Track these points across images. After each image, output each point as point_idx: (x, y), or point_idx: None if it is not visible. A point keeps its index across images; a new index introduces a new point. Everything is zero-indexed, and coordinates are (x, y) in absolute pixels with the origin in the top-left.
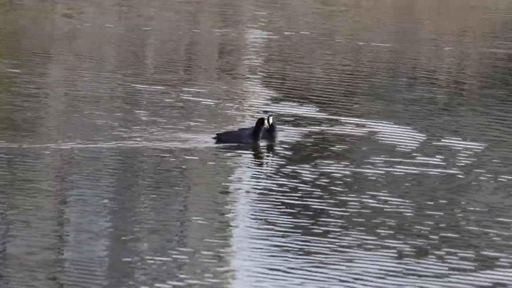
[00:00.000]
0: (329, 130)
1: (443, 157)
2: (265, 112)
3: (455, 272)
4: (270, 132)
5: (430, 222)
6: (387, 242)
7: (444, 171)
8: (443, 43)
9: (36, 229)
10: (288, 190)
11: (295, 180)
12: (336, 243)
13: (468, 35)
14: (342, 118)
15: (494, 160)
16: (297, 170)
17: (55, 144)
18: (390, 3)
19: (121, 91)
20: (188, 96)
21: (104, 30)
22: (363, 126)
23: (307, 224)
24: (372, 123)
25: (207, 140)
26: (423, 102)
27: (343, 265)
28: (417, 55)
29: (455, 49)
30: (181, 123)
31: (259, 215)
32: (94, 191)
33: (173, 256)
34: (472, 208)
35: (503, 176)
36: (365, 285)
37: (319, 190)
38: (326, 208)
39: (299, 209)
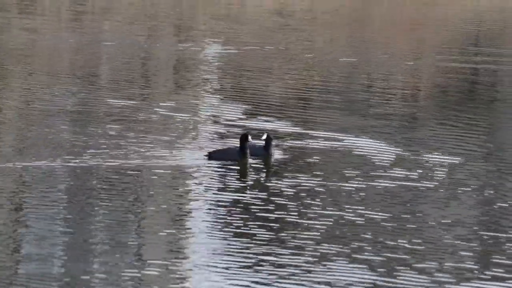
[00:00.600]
0: (304, 144)
1: (417, 171)
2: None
3: (431, 285)
4: (266, 149)
5: (405, 235)
6: (363, 255)
7: (419, 184)
8: (407, 56)
9: None
10: (263, 203)
11: (270, 194)
12: (312, 256)
13: (431, 48)
14: (315, 132)
15: (467, 174)
16: (273, 184)
17: (10, 163)
18: (346, 15)
19: (78, 106)
20: (148, 111)
21: (62, 45)
22: (338, 140)
23: (283, 237)
24: (345, 137)
25: (176, 156)
26: (396, 116)
27: (319, 278)
28: (382, 69)
29: (422, 62)
30: (141, 138)
31: (234, 229)
32: (50, 210)
33: (142, 271)
34: (447, 221)
35: (476, 190)
36: None
37: (294, 203)
38: (302, 221)
39: (275, 222)
